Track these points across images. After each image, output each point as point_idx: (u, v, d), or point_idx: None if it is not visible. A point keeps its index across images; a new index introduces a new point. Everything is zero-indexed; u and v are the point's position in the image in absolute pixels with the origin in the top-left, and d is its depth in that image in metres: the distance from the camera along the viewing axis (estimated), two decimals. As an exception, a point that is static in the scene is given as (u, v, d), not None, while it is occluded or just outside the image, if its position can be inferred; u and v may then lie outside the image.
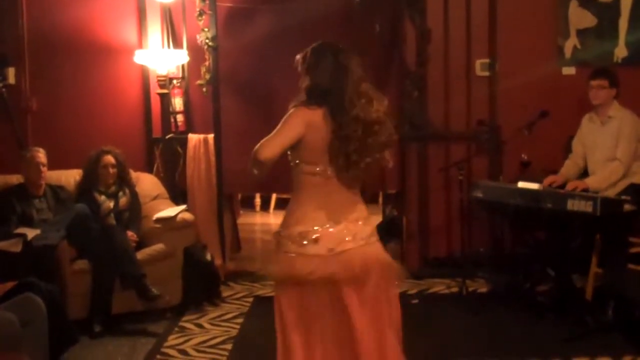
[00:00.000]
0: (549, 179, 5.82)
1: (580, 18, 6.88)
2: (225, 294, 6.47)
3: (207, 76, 6.86)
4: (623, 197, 5.46)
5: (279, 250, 3.56)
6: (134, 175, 6.50)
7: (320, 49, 3.71)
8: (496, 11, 6.86)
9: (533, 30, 6.92)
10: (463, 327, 5.63)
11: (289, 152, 3.50)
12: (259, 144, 3.46)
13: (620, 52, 6.85)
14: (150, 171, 6.93)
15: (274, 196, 10.25)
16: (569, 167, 6.07)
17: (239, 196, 9.41)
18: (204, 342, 5.42)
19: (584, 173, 5.99)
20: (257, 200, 10.47)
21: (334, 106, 3.43)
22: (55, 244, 5.46)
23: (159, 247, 6.03)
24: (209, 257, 6.38)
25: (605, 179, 5.72)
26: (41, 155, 5.92)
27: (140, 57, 6.66)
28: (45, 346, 4.47)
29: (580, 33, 6.90)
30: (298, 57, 3.75)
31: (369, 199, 7.29)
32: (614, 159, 5.76)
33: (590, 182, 5.70)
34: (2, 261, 5.25)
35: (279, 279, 3.60)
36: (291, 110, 3.57)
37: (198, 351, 5.25)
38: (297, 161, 3.50)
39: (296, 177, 3.54)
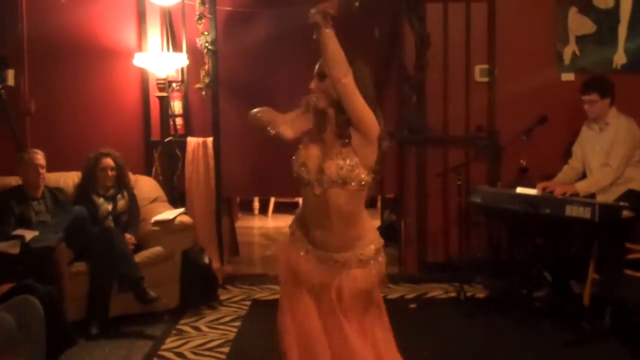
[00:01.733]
0: (541, 186, 5.83)
1: (580, 24, 6.89)
2: (223, 297, 6.47)
3: (207, 80, 6.87)
4: (621, 203, 5.47)
5: None
6: (133, 178, 6.50)
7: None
8: (495, 17, 6.88)
9: (532, 36, 6.94)
10: (460, 332, 5.63)
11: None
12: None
13: (620, 58, 6.86)
14: (148, 174, 6.94)
15: (272, 200, 10.25)
16: (566, 172, 6.08)
17: (238, 200, 9.43)
18: (202, 345, 5.41)
19: (583, 177, 6.00)
20: (256, 203, 10.47)
21: None
22: (53, 245, 5.45)
23: (157, 249, 6.03)
24: (206, 260, 6.38)
25: (594, 183, 5.74)
26: (40, 157, 5.92)
27: (139, 60, 6.66)
28: (43, 348, 4.46)
29: (580, 39, 6.91)
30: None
31: (368, 204, 7.31)
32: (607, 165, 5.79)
33: (580, 186, 5.73)
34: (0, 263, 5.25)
35: None
36: None
37: (195, 354, 5.24)
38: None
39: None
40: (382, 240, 3.49)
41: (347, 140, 3.27)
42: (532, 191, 5.68)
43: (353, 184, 3.28)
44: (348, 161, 3.27)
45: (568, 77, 6.92)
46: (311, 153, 3.40)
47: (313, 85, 3.42)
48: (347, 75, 3.19)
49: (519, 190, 5.73)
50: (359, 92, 3.23)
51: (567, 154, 6.28)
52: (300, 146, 3.46)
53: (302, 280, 3.47)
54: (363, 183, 3.29)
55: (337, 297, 3.37)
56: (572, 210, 5.28)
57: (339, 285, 3.37)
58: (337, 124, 3.33)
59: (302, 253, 3.48)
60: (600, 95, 5.81)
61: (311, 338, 3.42)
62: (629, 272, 5.74)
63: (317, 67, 3.44)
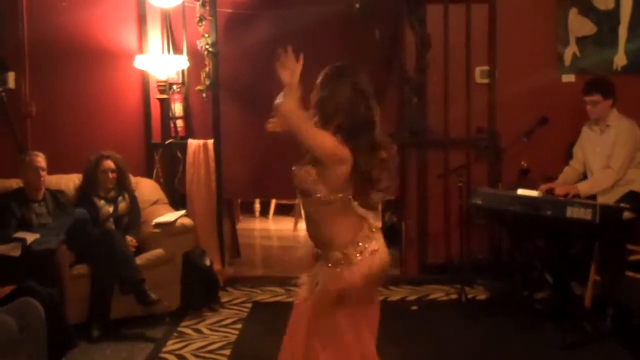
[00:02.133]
0: (544, 187, 5.83)
1: (580, 26, 6.89)
2: (224, 299, 6.47)
3: (207, 82, 6.86)
4: (622, 204, 5.47)
5: None
6: (134, 180, 6.50)
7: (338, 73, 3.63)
8: (496, 18, 6.88)
9: (533, 38, 6.94)
10: (461, 333, 5.63)
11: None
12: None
13: (620, 60, 6.85)
14: (149, 176, 6.93)
15: (273, 202, 10.25)
16: (567, 174, 6.08)
17: (239, 202, 9.43)
18: (203, 347, 5.41)
19: (584, 179, 6.00)
20: (257, 205, 10.47)
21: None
22: (54, 248, 5.46)
23: (158, 252, 6.03)
24: (208, 262, 6.39)
25: (595, 185, 5.75)
26: (41, 159, 5.92)
27: (140, 63, 6.66)
28: (44, 350, 4.47)
29: (580, 41, 6.91)
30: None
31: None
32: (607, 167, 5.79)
33: (581, 187, 5.73)
34: (1, 265, 5.24)
35: None
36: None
37: (196, 356, 5.24)
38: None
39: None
40: (356, 248, 3.39)
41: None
42: (533, 193, 5.68)
43: (318, 195, 3.31)
44: (313, 173, 3.32)
45: (568, 78, 6.92)
46: (302, 162, 3.45)
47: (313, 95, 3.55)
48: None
49: (520, 191, 5.73)
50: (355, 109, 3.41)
51: (568, 155, 6.28)
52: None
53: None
54: (323, 200, 3.30)
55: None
56: (573, 212, 5.28)
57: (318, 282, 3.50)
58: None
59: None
60: (603, 96, 5.81)
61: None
62: (630, 273, 5.74)
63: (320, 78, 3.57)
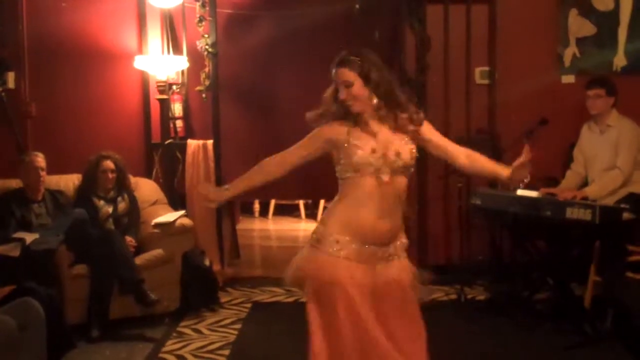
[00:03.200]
0: (544, 191, 5.82)
1: (580, 27, 6.90)
2: (223, 299, 6.47)
3: (207, 82, 6.86)
4: (622, 205, 5.46)
5: None
6: (133, 180, 6.49)
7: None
8: (496, 19, 6.88)
9: (533, 39, 6.94)
10: (461, 334, 5.63)
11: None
12: None
13: (620, 61, 6.86)
14: (149, 176, 6.93)
15: (272, 202, 10.25)
16: (570, 177, 6.06)
17: (239, 202, 9.42)
18: (202, 347, 5.41)
19: (587, 182, 6.00)
20: (256, 206, 10.47)
21: None
22: (53, 248, 5.46)
23: (157, 252, 6.03)
24: (207, 262, 6.39)
25: (604, 187, 5.72)
26: (40, 159, 5.92)
27: (140, 63, 6.66)
28: (43, 351, 4.46)
29: (580, 42, 6.91)
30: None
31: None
32: (614, 168, 5.76)
33: (590, 190, 5.71)
34: (0, 265, 5.25)
35: None
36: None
37: (196, 357, 5.23)
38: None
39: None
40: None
41: (412, 129, 3.46)
42: (532, 193, 5.67)
43: (412, 169, 3.44)
44: (413, 147, 3.44)
45: (568, 79, 6.92)
46: (373, 140, 3.39)
47: (344, 95, 3.45)
48: None
49: (520, 192, 5.72)
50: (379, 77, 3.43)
51: (568, 156, 6.27)
52: (348, 138, 3.43)
53: (357, 289, 3.36)
54: (412, 169, 3.45)
55: (399, 291, 3.46)
56: (572, 213, 5.28)
57: (400, 278, 3.47)
58: (395, 117, 3.45)
59: (347, 262, 3.39)
60: (606, 92, 5.80)
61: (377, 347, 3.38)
62: (630, 274, 5.73)
63: (338, 76, 3.52)
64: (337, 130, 3.45)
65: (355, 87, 3.41)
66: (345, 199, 3.44)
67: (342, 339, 3.35)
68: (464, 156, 3.60)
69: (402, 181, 3.41)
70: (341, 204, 3.46)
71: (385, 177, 3.35)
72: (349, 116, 3.45)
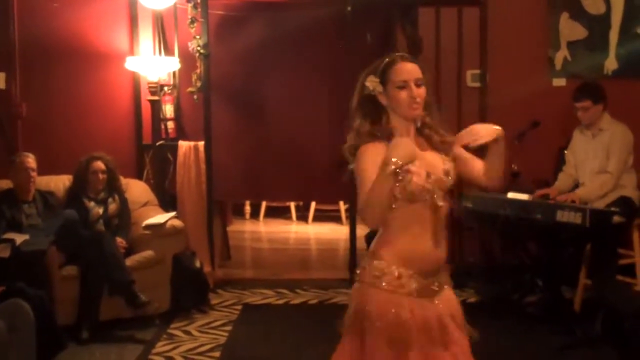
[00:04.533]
0: (539, 193, 5.84)
1: (571, 30, 6.91)
2: (214, 301, 6.46)
3: (198, 83, 6.85)
4: (612, 208, 5.48)
5: None
6: (124, 181, 6.48)
7: None
8: (487, 22, 6.89)
9: (524, 42, 6.95)
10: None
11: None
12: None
13: (611, 64, 6.88)
14: (140, 178, 6.92)
15: (263, 204, 10.24)
16: (563, 179, 6.07)
17: (230, 203, 9.41)
18: (192, 349, 5.40)
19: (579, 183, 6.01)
20: (247, 207, 10.46)
21: None
22: (44, 249, 5.44)
23: (148, 253, 6.02)
24: (198, 264, 6.37)
25: (595, 190, 5.74)
26: (31, 160, 5.90)
27: (131, 64, 6.65)
28: (33, 352, 4.45)
29: (571, 45, 6.93)
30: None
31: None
32: (604, 171, 5.78)
33: (581, 193, 5.72)
34: (-10, 266, 5.24)
35: None
36: None
37: (186, 358, 5.23)
38: None
39: None
40: None
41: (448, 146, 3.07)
42: (523, 196, 5.69)
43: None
44: (453, 164, 3.07)
45: (559, 82, 6.94)
46: (425, 162, 2.96)
47: (415, 92, 2.96)
48: None
49: (511, 195, 5.74)
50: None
51: (559, 159, 6.29)
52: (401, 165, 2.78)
53: (420, 328, 2.97)
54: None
55: (446, 327, 3.03)
56: (563, 216, 5.30)
57: (452, 311, 3.09)
58: (438, 132, 3.07)
59: (410, 293, 2.99)
60: (593, 102, 5.82)
61: None
62: (620, 277, 5.75)
63: (408, 73, 2.98)
64: (380, 148, 2.90)
65: (423, 88, 3.00)
66: (401, 230, 2.98)
67: None
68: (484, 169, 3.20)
69: (447, 203, 3.03)
70: (396, 235, 3.00)
71: (441, 202, 2.98)
72: (385, 131, 3.00)
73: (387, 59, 3.04)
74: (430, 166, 2.96)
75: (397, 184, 2.87)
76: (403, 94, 2.97)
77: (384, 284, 2.98)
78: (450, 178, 3.01)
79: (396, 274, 2.98)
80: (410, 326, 2.94)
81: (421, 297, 3.00)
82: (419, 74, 3.00)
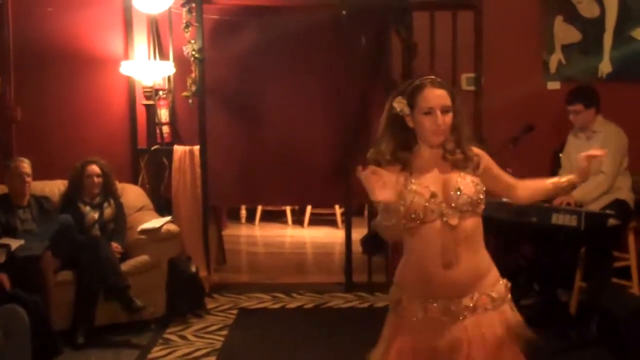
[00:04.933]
0: None
1: (566, 33, 6.93)
2: (209, 305, 6.45)
3: (193, 88, 6.85)
4: (607, 211, 5.48)
5: None
6: (119, 186, 6.48)
7: None
8: (482, 26, 6.89)
9: (518, 45, 6.96)
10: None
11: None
12: None
13: (605, 67, 6.89)
14: (135, 182, 6.92)
15: (259, 208, 10.24)
16: (558, 183, 6.08)
17: (225, 208, 9.40)
18: (188, 354, 5.40)
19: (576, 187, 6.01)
20: (243, 212, 10.45)
21: None
22: (39, 254, 5.43)
23: (143, 258, 6.01)
24: (193, 268, 6.37)
25: (590, 192, 5.74)
26: (26, 165, 5.89)
27: (126, 68, 6.64)
28: (28, 357, 4.45)
29: (565, 48, 6.94)
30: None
31: (356, 212, 7.32)
32: (599, 173, 5.79)
33: (576, 195, 5.73)
34: (-15, 272, 5.22)
35: None
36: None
37: (182, 363, 5.24)
38: None
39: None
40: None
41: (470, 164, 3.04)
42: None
43: (482, 205, 3.02)
44: (476, 179, 3.02)
45: (554, 85, 6.95)
46: (431, 182, 2.97)
47: (440, 121, 2.93)
48: None
49: (506, 198, 5.73)
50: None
51: (554, 162, 6.29)
52: (406, 181, 2.95)
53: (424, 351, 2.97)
54: (483, 207, 3.03)
55: (473, 352, 2.93)
56: (558, 219, 5.30)
57: (478, 337, 2.95)
58: (453, 153, 3.02)
59: (415, 318, 3.00)
60: (584, 106, 5.83)
61: None
62: (615, 280, 5.75)
63: (435, 99, 2.95)
64: (395, 171, 2.95)
65: (450, 115, 2.97)
66: (412, 253, 3.03)
67: None
68: (522, 189, 3.30)
69: (472, 222, 2.99)
70: (407, 259, 3.07)
71: (453, 221, 2.94)
72: (405, 151, 3.01)
73: (416, 82, 3.01)
74: (439, 184, 2.96)
75: (402, 202, 2.89)
76: (428, 121, 2.95)
77: (395, 310, 3.08)
78: (462, 194, 2.94)
79: (396, 298, 3.07)
80: (409, 355, 2.98)
81: (432, 322, 2.96)
82: (446, 101, 2.96)
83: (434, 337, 2.95)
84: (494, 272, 3.11)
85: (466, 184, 2.97)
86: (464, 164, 3.02)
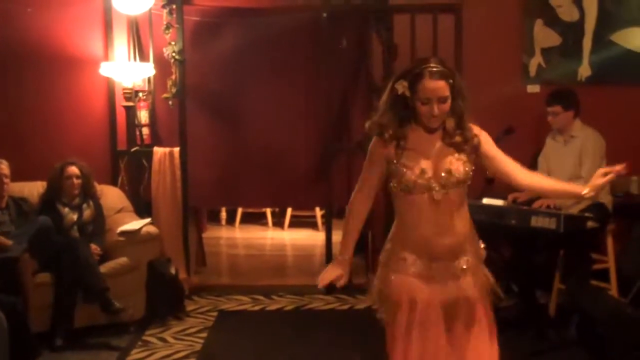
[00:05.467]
0: (512, 196, 5.87)
1: (545, 37, 6.96)
2: (189, 308, 6.44)
3: (174, 89, 6.83)
4: (586, 214, 5.51)
5: None
6: (99, 188, 6.45)
7: None
8: (462, 29, 6.92)
9: (498, 48, 6.99)
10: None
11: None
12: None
13: (585, 71, 6.93)
14: (115, 184, 6.89)
15: (239, 210, 10.23)
16: (535, 184, 6.10)
17: (205, 210, 9.39)
18: (168, 356, 5.38)
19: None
20: (223, 214, 10.44)
21: None
22: (17, 256, 5.39)
23: (122, 260, 5.99)
24: (173, 270, 6.36)
25: (570, 196, 5.77)
26: (4, 167, 5.85)
27: (106, 70, 6.62)
28: (6, 359, 4.42)
29: (545, 52, 6.98)
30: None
31: (336, 214, 7.32)
32: (577, 177, 5.82)
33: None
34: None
35: None
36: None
37: (161, 365, 5.22)
38: None
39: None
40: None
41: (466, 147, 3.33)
42: (498, 202, 5.71)
43: (469, 182, 3.33)
44: (468, 162, 3.33)
45: (533, 89, 6.98)
46: (423, 159, 3.28)
47: (437, 111, 3.22)
48: None
49: (485, 200, 5.76)
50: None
51: (533, 165, 6.32)
52: (398, 157, 3.29)
53: (425, 307, 3.31)
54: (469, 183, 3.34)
55: (466, 308, 3.34)
56: (537, 221, 5.32)
57: (467, 294, 3.34)
58: (452, 135, 3.33)
59: (416, 280, 3.34)
60: (563, 108, 5.87)
61: None
62: (594, 282, 5.78)
63: (433, 90, 3.21)
64: (388, 146, 3.30)
65: (447, 103, 3.27)
66: (402, 217, 3.36)
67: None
68: (523, 175, 3.49)
69: (456, 194, 3.30)
70: (399, 222, 3.39)
71: (438, 195, 3.25)
72: (403, 128, 3.31)
73: (417, 70, 3.23)
74: (431, 162, 3.26)
75: (394, 178, 3.27)
76: (424, 109, 3.23)
77: (392, 265, 3.36)
78: (451, 176, 3.25)
79: (401, 256, 3.34)
80: (414, 304, 3.28)
81: (432, 280, 3.30)
82: (444, 92, 3.22)
83: (440, 293, 3.30)
84: (476, 234, 3.47)
85: (457, 166, 3.28)
86: (461, 146, 3.31)
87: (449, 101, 3.26)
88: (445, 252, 3.30)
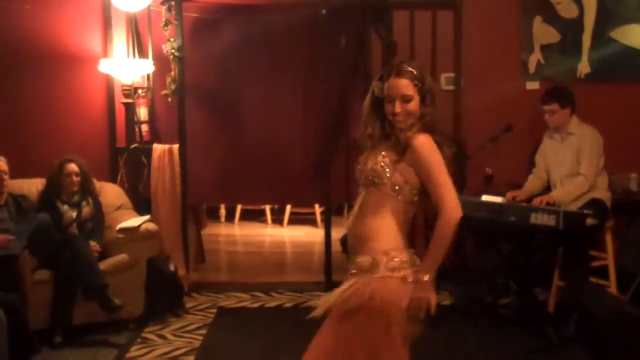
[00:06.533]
0: (511, 194, 5.87)
1: (545, 34, 6.96)
2: (188, 305, 6.44)
3: (173, 86, 6.83)
4: (585, 211, 5.51)
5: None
6: (98, 184, 6.45)
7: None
8: (461, 25, 6.92)
9: (498, 45, 6.99)
10: (425, 339, 5.62)
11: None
12: (454, 202, 3.50)
13: (584, 67, 6.93)
14: (114, 181, 6.89)
15: (238, 207, 10.23)
16: (533, 181, 6.12)
17: (204, 207, 9.38)
18: (167, 353, 5.38)
19: (549, 187, 6.04)
20: (222, 211, 10.44)
21: None
22: (16, 253, 5.39)
23: (121, 257, 5.98)
24: (172, 267, 6.36)
25: (570, 193, 5.78)
26: (3, 163, 5.84)
27: (105, 66, 6.61)
28: (5, 357, 4.42)
29: (544, 48, 6.97)
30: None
31: (335, 211, 7.32)
32: (577, 175, 5.82)
33: (556, 195, 5.76)
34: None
35: None
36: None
37: (160, 363, 5.22)
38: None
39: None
40: (403, 258, 3.33)
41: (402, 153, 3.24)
42: (497, 199, 5.71)
43: (382, 186, 3.21)
44: (387, 160, 3.23)
45: (533, 85, 6.97)
46: (369, 155, 3.31)
47: (399, 109, 3.24)
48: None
49: (485, 198, 5.76)
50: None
51: (532, 162, 6.33)
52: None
53: None
54: (397, 188, 3.21)
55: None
56: (536, 218, 5.32)
57: (356, 294, 3.24)
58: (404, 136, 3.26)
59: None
60: (560, 105, 5.87)
61: None
62: (593, 279, 5.79)
63: (396, 88, 3.27)
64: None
65: (413, 103, 3.27)
66: None
67: None
68: (442, 216, 3.50)
69: (375, 197, 3.24)
70: None
71: (360, 191, 3.32)
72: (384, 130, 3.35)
73: (388, 69, 3.36)
74: (368, 159, 3.27)
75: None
76: (388, 107, 3.29)
77: None
78: (365, 170, 3.25)
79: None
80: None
81: (352, 274, 3.26)
82: (407, 91, 3.25)
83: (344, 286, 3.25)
84: (390, 244, 3.27)
85: (374, 162, 3.24)
86: (396, 147, 3.25)
87: (414, 103, 3.26)
88: (355, 244, 3.29)
